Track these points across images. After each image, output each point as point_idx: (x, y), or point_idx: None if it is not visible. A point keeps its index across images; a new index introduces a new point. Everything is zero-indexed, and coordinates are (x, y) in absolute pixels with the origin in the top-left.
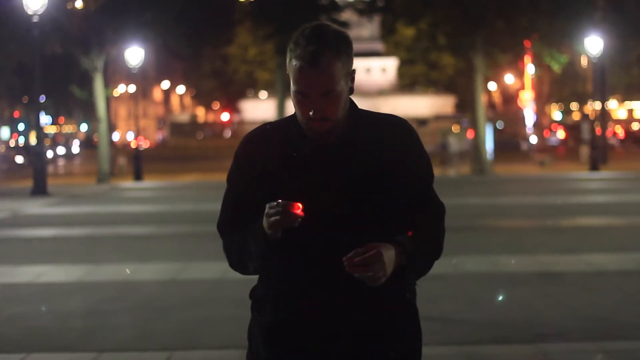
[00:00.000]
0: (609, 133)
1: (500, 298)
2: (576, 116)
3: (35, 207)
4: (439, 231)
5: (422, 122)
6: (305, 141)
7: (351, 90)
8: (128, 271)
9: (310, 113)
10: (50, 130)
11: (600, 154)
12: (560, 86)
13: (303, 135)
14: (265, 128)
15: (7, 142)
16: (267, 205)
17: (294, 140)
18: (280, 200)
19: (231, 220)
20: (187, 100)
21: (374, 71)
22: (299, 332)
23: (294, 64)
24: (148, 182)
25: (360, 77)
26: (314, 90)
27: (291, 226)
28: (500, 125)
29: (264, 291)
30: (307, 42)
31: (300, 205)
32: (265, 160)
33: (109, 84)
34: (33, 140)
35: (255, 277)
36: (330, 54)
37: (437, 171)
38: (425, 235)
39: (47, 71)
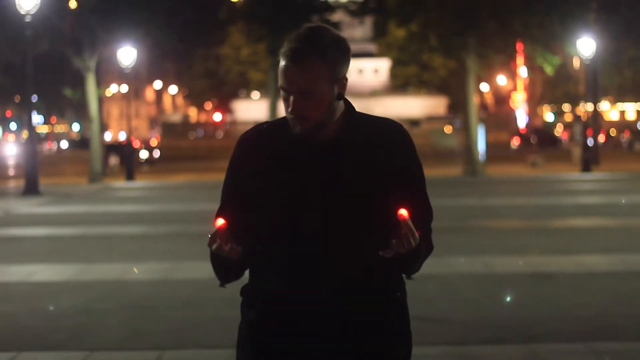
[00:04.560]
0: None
1: (508, 299)
2: (568, 117)
3: (26, 206)
4: (430, 234)
5: (415, 122)
6: (299, 141)
7: (339, 96)
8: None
9: (289, 110)
10: (42, 129)
11: (592, 154)
12: (553, 87)
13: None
14: (261, 127)
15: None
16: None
17: (288, 139)
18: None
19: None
20: (180, 101)
21: (367, 72)
22: (286, 331)
23: (279, 60)
24: (140, 182)
25: (353, 78)
26: (292, 87)
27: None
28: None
29: (254, 289)
30: (295, 41)
31: (220, 223)
32: (258, 160)
33: (102, 83)
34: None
35: (247, 277)
36: (315, 55)
37: None
38: (425, 243)
39: (40, 70)
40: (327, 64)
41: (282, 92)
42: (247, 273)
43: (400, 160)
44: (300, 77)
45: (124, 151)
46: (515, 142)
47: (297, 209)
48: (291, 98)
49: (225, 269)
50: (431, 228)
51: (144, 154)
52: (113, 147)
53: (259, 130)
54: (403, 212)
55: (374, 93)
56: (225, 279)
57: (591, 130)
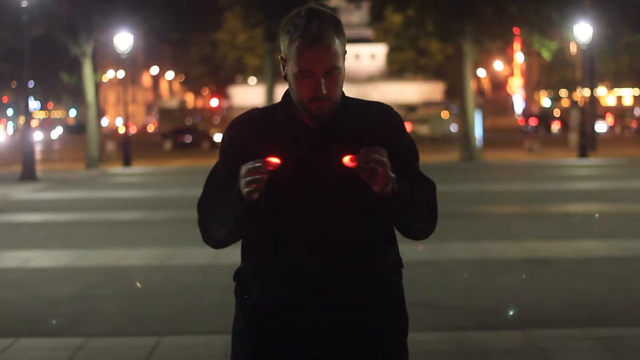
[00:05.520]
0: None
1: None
2: (565, 103)
3: (24, 192)
4: (432, 200)
5: (411, 108)
6: (293, 125)
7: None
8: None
9: (316, 91)
10: (39, 115)
11: (589, 140)
12: (550, 73)
13: (290, 119)
14: (252, 113)
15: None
16: (243, 167)
17: (281, 123)
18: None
19: (211, 197)
20: (176, 86)
21: (363, 57)
22: (284, 316)
23: (297, 43)
24: (137, 168)
25: (350, 64)
26: (319, 67)
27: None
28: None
29: (249, 273)
30: (308, 20)
31: (275, 160)
32: (251, 144)
33: (98, 69)
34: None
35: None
36: (331, 31)
37: None
38: (420, 196)
39: (36, 56)
40: (339, 40)
41: (301, 75)
42: (239, 259)
43: (392, 139)
44: (326, 55)
45: (195, 134)
46: (556, 126)
47: (294, 194)
48: (316, 79)
49: (221, 221)
50: (436, 200)
51: (219, 138)
52: (179, 131)
53: (250, 117)
54: (346, 159)
55: (370, 79)
56: (206, 236)
57: (588, 116)
